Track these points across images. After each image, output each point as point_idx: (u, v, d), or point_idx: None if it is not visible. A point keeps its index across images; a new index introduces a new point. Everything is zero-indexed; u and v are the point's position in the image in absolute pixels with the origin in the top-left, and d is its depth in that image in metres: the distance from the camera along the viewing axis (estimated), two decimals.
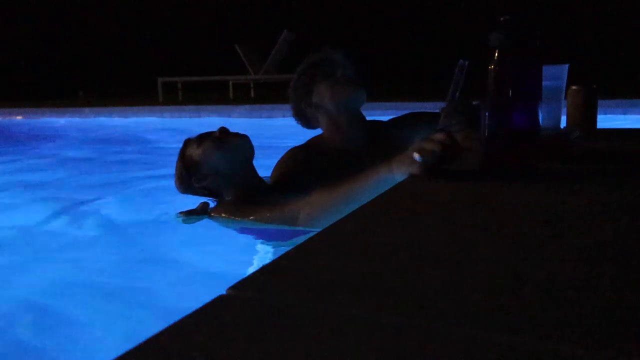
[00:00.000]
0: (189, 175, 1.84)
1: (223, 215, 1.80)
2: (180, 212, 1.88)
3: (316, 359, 0.43)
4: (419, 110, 2.24)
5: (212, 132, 1.85)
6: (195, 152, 1.83)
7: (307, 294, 0.56)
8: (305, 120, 2.07)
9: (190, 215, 1.86)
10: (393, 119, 2.16)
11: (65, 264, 1.89)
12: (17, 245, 2.10)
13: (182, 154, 1.88)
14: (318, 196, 1.48)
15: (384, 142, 1.96)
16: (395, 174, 1.18)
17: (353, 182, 1.35)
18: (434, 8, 10.78)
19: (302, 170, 1.85)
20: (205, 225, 1.82)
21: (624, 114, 5.31)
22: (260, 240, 1.69)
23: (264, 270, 0.63)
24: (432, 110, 2.09)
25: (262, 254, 1.67)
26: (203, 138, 1.84)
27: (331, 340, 0.46)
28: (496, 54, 1.09)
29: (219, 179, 1.81)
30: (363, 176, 1.32)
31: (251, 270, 0.63)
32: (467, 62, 1.51)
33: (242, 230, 1.72)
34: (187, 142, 1.89)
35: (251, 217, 1.72)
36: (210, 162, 1.80)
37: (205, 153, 1.80)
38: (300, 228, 1.56)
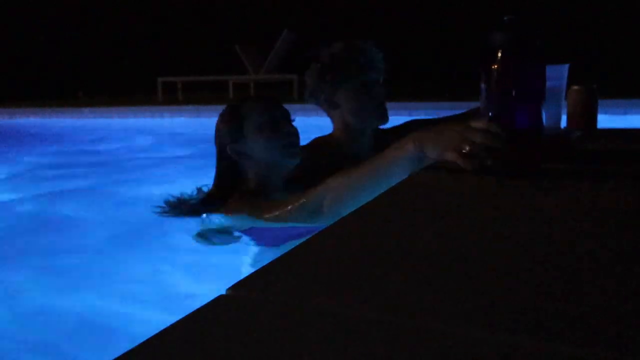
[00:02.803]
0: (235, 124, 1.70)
1: (231, 215, 1.66)
2: (197, 234, 1.76)
3: (316, 359, 0.43)
4: (417, 110, 2.23)
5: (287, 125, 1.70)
6: (249, 108, 1.69)
7: (307, 294, 0.56)
8: (317, 104, 1.99)
9: (208, 234, 1.74)
10: (395, 127, 2.13)
11: (65, 263, 1.89)
12: (15, 245, 2.10)
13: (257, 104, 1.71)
14: (340, 178, 1.34)
15: None
16: (427, 153, 1.08)
17: (377, 161, 1.22)
18: (434, 7, 10.78)
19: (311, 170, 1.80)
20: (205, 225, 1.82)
21: (624, 114, 5.31)
22: (260, 241, 1.69)
23: (264, 270, 0.63)
24: (434, 112, 2.07)
25: (262, 254, 1.67)
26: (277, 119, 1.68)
27: (331, 340, 0.46)
28: (499, 54, 1.08)
29: (246, 148, 1.69)
30: (388, 154, 1.19)
31: (251, 270, 0.63)
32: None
33: (242, 231, 1.72)
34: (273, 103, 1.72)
35: (267, 215, 1.57)
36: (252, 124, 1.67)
37: (254, 113, 1.67)
38: (322, 223, 1.39)
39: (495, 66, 1.09)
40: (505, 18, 1.07)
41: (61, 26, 12.36)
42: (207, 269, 1.71)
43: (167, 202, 1.85)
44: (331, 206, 1.36)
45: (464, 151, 1.01)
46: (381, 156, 1.21)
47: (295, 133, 1.70)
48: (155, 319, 1.35)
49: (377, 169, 1.22)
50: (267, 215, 1.57)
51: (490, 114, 1.10)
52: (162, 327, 0.48)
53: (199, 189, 1.87)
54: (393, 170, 1.16)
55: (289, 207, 1.49)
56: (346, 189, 1.31)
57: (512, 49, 1.08)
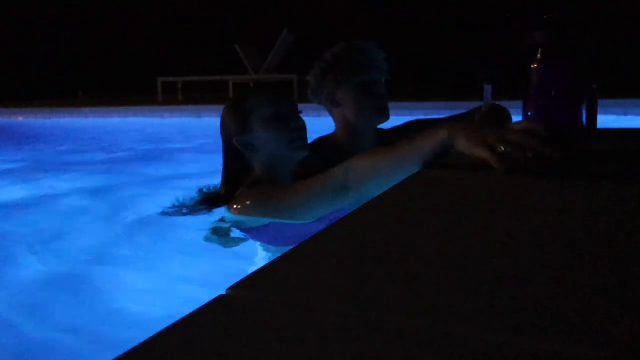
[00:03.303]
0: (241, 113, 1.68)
1: (248, 203, 1.60)
2: (211, 233, 1.74)
3: (316, 359, 0.43)
4: (417, 110, 2.24)
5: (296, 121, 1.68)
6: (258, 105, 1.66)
7: (307, 294, 0.56)
8: (320, 102, 2.00)
9: (220, 233, 1.72)
10: (396, 127, 2.13)
11: (66, 263, 1.89)
12: (15, 246, 2.10)
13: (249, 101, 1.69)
14: (367, 157, 1.29)
15: None
16: (457, 146, 1.06)
17: (406, 145, 1.18)
18: (435, 7, 10.78)
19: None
20: (206, 225, 1.82)
21: (625, 114, 5.31)
22: (264, 240, 1.69)
23: (264, 270, 0.63)
24: (434, 112, 2.07)
25: (262, 254, 1.67)
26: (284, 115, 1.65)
27: (331, 340, 0.46)
28: (539, 53, 1.07)
29: (255, 140, 1.67)
30: (419, 140, 1.15)
31: (251, 270, 0.63)
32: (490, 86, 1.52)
33: (243, 230, 1.72)
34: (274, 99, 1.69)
35: (288, 197, 1.50)
36: (259, 118, 1.65)
37: (260, 109, 1.64)
38: (348, 202, 1.36)
39: (536, 65, 1.07)
40: (544, 17, 1.06)
41: (61, 26, 12.36)
42: (208, 269, 1.71)
43: (173, 202, 1.84)
44: (358, 182, 1.30)
45: (498, 151, 0.99)
46: (411, 141, 1.18)
47: (302, 127, 1.69)
48: (155, 319, 1.35)
49: (405, 152, 1.18)
50: (288, 197, 1.50)
51: (529, 113, 1.09)
52: (162, 327, 0.48)
53: (201, 190, 1.86)
54: (422, 155, 1.14)
55: (312, 186, 1.43)
56: (373, 165, 1.25)
57: (555, 48, 1.07)
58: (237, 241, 1.71)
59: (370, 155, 1.29)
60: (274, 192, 1.56)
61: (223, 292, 0.56)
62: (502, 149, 0.99)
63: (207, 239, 1.75)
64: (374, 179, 1.24)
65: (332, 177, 1.37)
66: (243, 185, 1.69)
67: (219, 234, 1.73)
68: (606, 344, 0.43)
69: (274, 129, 1.64)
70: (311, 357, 0.43)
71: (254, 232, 1.65)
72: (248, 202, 1.60)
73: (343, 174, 1.34)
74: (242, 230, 1.67)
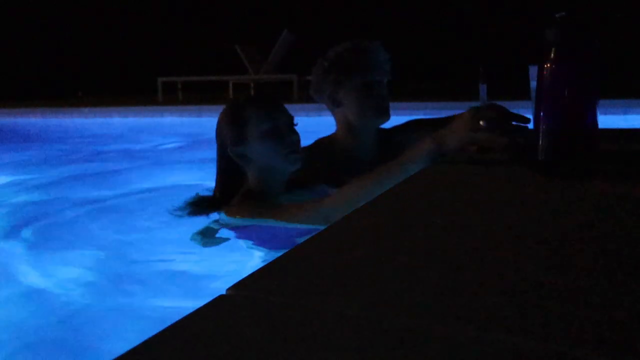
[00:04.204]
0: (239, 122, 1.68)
1: (238, 216, 1.65)
2: (196, 233, 1.77)
3: (315, 359, 0.43)
4: (417, 110, 2.23)
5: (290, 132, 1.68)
6: (252, 111, 1.66)
7: (307, 294, 0.56)
8: (321, 101, 2.00)
9: (206, 233, 1.75)
10: (396, 127, 2.13)
11: (67, 263, 1.89)
12: (16, 246, 2.10)
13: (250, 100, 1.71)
14: (356, 186, 1.36)
15: (394, 151, 1.92)
16: (449, 143, 1.17)
17: (394, 166, 1.26)
18: (435, 7, 10.78)
19: (315, 175, 1.80)
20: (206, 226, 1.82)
21: (624, 114, 5.31)
22: (260, 241, 1.69)
23: (264, 270, 0.63)
24: (434, 112, 2.06)
25: (262, 254, 1.67)
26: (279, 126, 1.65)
27: (331, 340, 0.46)
28: (552, 52, 1.05)
29: (249, 150, 1.67)
30: (404, 158, 1.25)
31: (251, 270, 0.63)
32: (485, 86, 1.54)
33: (243, 231, 1.72)
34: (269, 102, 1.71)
35: (275, 217, 1.57)
36: (255, 128, 1.65)
37: (256, 120, 1.64)
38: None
39: (549, 65, 1.06)
40: (557, 15, 1.05)
41: (61, 26, 12.35)
42: (207, 269, 1.72)
43: (171, 205, 1.84)
44: (342, 214, 1.34)
45: (478, 133, 1.13)
46: (398, 161, 1.25)
47: (297, 141, 1.70)
48: (155, 319, 1.35)
49: (394, 175, 1.24)
50: (279, 222, 1.57)
51: (541, 113, 1.08)
52: (162, 327, 0.49)
53: (197, 195, 1.86)
54: (409, 174, 1.20)
55: (301, 215, 1.51)
56: (358, 197, 1.30)
57: (570, 47, 1.06)
58: (220, 241, 1.72)
59: (356, 185, 1.36)
60: (265, 214, 1.60)
61: (223, 292, 0.56)
62: (482, 123, 1.12)
63: (191, 239, 1.76)
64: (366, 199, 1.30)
65: (325, 206, 1.44)
66: (237, 192, 1.70)
67: (204, 235, 1.74)
68: (606, 344, 0.43)
69: (270, 143, 1.65)
70: (311, 357, 0.43)
71: (244, 231, 1.66)
72: (239, 217, 1.64)
73: (335, 205, 1.40)
74: (231, 229, 1.69)
